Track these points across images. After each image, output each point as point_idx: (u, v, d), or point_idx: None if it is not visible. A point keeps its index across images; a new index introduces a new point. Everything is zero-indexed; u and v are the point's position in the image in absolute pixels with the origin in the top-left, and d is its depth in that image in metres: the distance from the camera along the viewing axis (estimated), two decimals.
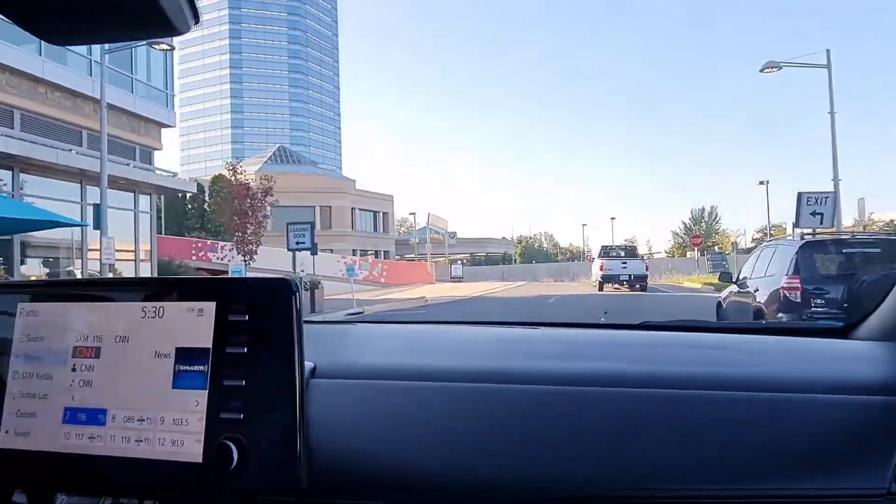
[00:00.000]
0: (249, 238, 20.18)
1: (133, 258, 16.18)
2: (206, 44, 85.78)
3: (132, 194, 16.34)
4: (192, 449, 0.67)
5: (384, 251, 50.01)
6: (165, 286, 0.72)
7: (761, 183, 31.14)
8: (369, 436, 0.71)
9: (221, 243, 25.12)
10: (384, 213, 50.75)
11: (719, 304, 7.98)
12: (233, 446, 0.64)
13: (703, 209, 56.09)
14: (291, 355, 0.66)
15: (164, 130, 18.14)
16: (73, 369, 0.73)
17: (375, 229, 49.94)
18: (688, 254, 42.26)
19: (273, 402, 0.65)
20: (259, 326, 0.67)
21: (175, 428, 0.68)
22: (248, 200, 20.31)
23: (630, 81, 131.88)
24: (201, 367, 0.68)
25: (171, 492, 0.68)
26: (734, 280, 7.63)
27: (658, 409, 0.71)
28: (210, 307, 0.69)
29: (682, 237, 53.75)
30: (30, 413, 0.73)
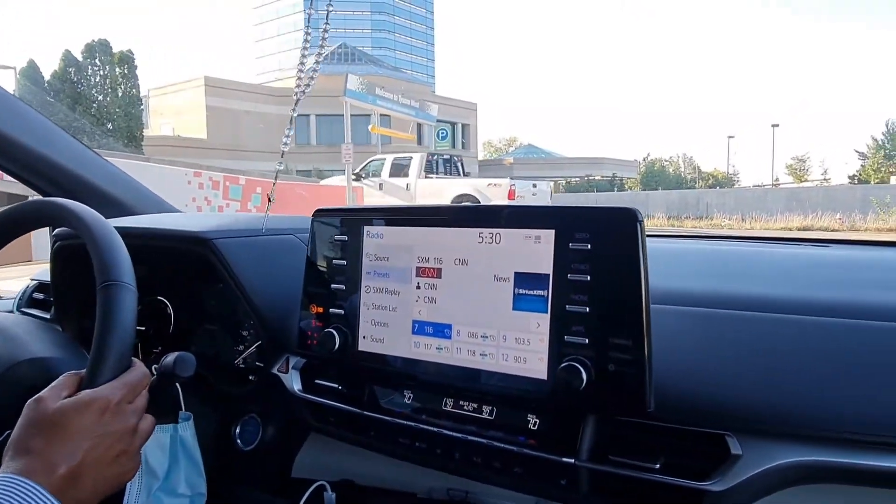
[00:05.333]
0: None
1: None
2: None
3: None
4: (535, 367, 0.72)
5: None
6: (501, 213, 0.76)
7: None
8: (709, 365, 0.70)
9: None
10: (464, 125, 41.51)
11: None
12: (581, 368, 0.67)
13: None
14: (638, 283, 0.66)
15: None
16: (418, 287, 0.81)
17: (454, 145, 39.66)
18: (893, 179, 32.72)
19: (619, 328, 0.67)
20: (603, 255, 0.68)
21: (517, 346, 0.73)
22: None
23: None
24: (541, 292, 0.72)
25: (518, 402, 0.75)
26: None
27: None
28: (549, 235, 0.72)
29: (870, 157, 42.48)
30: (382, 323, 0.84)
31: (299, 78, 0.82)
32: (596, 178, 48.73)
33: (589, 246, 0.69)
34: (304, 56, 0.80)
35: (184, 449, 0.97)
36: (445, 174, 15.27)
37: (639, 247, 0.66)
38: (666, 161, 62.07)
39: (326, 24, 0.80)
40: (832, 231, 15.45)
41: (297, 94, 0.82)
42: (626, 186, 48.79)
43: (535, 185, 14.71)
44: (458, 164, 16.05)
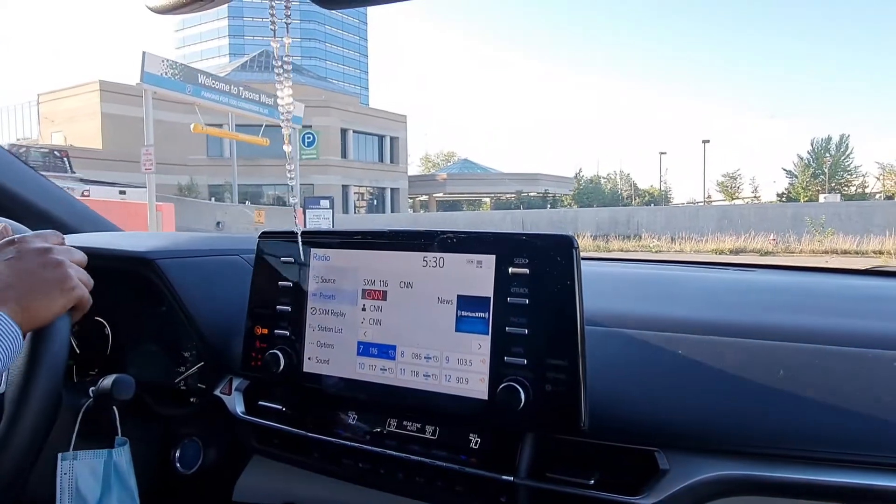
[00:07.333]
0: None
1: None
2: None
3: None
4: (476, 387, 0.74)
5: (391, 188, 39.25)
6: (445, 239, 0.78)
7: None
8: (640, 384, 0.74)
9: None
10: (392, 138, 39.88)
11: None
12: (519, 388, 0.70)
13: (829, 139, 45.87)
14: (574, 307, 0.69)
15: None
16: (363, 309, 0.82)
17: (381, 159, 39.47)
18: (821, 197, 33.45)
19: (556, 349, 0.70)
20: (541, 279, 0.71)
21: (459, 367, 0.75)
22: None
23: None
24: (482, 314, 0.74)
25: (460, 421, 0.77)
26: None
27: None
28: (489, 260, 0.74)
29: (798, 176, 44.17)
30: (328, 344, 0.85)
31: (280, 105, 0.80)
32: (530, 194, 47.93)
33: (528, 271, 0.72)
34: (280, 77, 0.80)
35: (117, 476, 0.94)
36: (44, 170, 13.63)
37: (574, 272, 0.70)
38: (604, 178, 62.40)
39: (287, 56, 0.80)
40: (766, 254, 15.25)
41: (283, 121, 0.79)
42: (566, 203, 48.03)
43: (122, 192, 13.89)
44: (65, 161, 14.41)
